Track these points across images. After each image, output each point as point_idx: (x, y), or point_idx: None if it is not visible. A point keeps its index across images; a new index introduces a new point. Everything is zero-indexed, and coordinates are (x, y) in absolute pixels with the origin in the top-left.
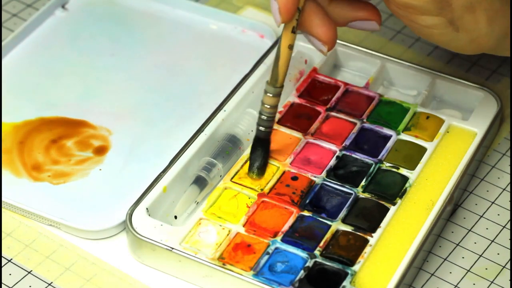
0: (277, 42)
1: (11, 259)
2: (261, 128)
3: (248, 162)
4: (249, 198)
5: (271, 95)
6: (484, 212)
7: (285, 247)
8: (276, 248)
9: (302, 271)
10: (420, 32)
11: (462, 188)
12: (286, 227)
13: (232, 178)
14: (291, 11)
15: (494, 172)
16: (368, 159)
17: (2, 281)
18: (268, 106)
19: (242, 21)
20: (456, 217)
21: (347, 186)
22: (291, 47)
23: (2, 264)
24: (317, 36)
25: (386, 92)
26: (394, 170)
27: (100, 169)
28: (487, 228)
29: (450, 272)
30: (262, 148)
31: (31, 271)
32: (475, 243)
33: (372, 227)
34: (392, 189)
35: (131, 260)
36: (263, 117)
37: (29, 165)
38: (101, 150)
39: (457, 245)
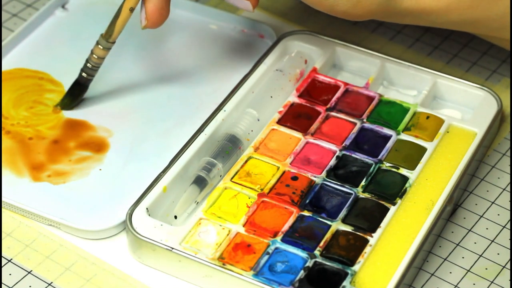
0: (277, 42)
1: (11, 259)
2: (84, 75)
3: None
4: (249, 198)
5: (101, 47)
6: (484, 212)
7: (285, 247)
8: (276, 248)
9: (302, 271)
10: None
11: (462, 188)
12: (286, 227)
13: (232, 178)
14: None
15: (494, 172)
16: (368, 159)
17: (2, 281)
18: (96, 57)
19: (242, 21)
20: (456, 217)
21: (347, 186)
22: (132, 9)
23: (2, 264)
24: None
25: (386, 92)
26: (394, 170)
27: (100, 169)
28: (487, 228)
29: (450, 272)
30: (79, 92)
31: (31, 271)
32: (475, 243)
33: (372, 227)
34: (392, 189)
35: (131, 260)
36: (89, 65)
37: (31, 164)
38: (101, 150)
39: (457, 245)
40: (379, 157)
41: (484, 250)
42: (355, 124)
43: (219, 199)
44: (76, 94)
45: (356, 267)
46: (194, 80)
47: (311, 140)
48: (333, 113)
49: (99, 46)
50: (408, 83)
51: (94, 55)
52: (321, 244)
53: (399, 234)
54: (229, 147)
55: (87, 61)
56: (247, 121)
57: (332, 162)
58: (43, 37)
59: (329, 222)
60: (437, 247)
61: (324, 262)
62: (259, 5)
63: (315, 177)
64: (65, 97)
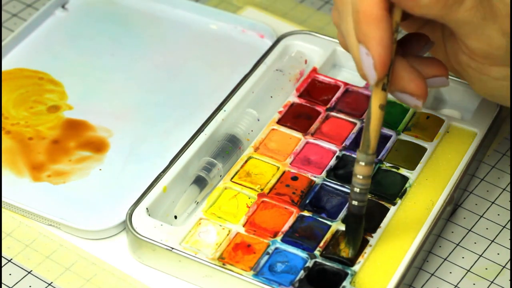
0: (277, 42)
1: (11, 259)
2: (354, 203)
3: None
4: (249, 198)
5: (363, 163)
6: (484, 212)
7: (285, 247)
8: (276, 248)
9: (302, 271)
10: (487, 86)
11: (462, 188)
12: (286, 227)
13: (232, 178)
14: (387, 66)
15: (494, 172)
16: None
17: (2, 281)
18: (361, 177)
19: (242, 21)
20: (456, 217)
21: (347, 186)
22: (382, 107)
23: (2, 264)
24: (410, 91)
25: None
26: (394, 170)
27: (100, 169)
28: (487, 228)
29: (450, 272)
30: (356, 224)
31: (31, 271)
32: (475, 243)
33: (372, 227)
34: (392, 189)
35: (131, 260)
36: (356, 189)
37: (31, 164)
38: (101, 150)
39: (457, 245)
40: (379, 157)
41: (484, 250)
42: (355, 124)
43: (219, 199)
44: (353, 229)
45: (356, 267)
46: (194, 80)
47: (311, 140)
48: (333, 113)
49: (360, 163)
50: None
51: (358, 176)
52: (321, 244)
53: (399, 234)
54: (229, 147)
55: (352, 185)
56: (247, 121)
57: (332, 162)
58: (43, 37)
59: (329, 222)
60: (437, 247)
61: (324, 262)
62: (259, 5)
63: (315, 177)
64: (346, 240)
